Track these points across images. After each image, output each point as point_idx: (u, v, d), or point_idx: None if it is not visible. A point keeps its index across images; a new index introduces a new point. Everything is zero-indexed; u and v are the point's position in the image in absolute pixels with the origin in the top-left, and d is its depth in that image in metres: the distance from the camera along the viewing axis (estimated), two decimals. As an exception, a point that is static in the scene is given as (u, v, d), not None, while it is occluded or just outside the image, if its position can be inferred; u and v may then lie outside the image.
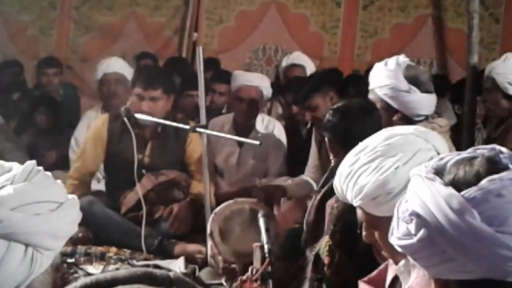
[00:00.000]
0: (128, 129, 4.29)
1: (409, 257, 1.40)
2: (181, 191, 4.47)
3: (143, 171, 4.31)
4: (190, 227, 4.31)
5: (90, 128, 4.81)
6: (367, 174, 1.97)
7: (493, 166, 1.32)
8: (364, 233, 2.09)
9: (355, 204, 2.04)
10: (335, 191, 2.15)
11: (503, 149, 1.37)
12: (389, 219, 1.80)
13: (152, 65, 6.02)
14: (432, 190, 1.31)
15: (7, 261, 1.20)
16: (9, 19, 7.56)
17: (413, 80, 3.43)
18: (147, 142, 4.40)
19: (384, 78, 3.45)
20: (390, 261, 2.02)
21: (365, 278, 2.10)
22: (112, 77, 5.40)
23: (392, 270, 2.02)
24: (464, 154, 1.36)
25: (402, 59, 3.51)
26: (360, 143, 2.07)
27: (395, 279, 2.02)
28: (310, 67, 5.92)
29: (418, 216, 1.31)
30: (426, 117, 3.50)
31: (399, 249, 1.41)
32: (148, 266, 3.68)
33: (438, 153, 1.93)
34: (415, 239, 1.32)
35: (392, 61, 3.49)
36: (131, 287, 0.76)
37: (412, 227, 1.32)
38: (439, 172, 1.35)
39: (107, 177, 4.69)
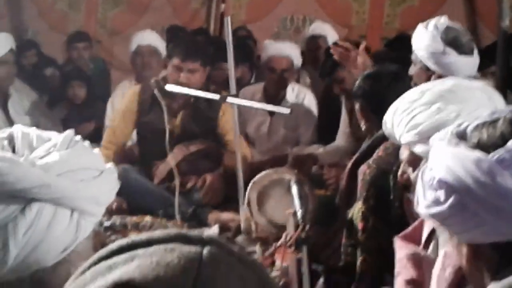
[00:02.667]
0: (159, 100, 4.33)
1: (439, 225, 1.41)
2: (212, 161, 4.50)
3: (174, 142, 4.34)
4: (222, 197, 4.35)
5: (122, 100, 4.86)
6: (427, 113, 2.00)
7: None
8: (400, 172, 2.12)
9: (402, 141, 2.06)
10: (383, 126, 2.17)
11: None
12: None
13: (190, 37, 6.03)
14: (458, 155, 1.30)
15: (55, 225, 1.24)
16: (38, -6, 7.61)
17: (451, 42, 3.36)
18: (178, 112, 4.42)
19: (422, 40, 3.41)
20: None
21: (401, 234, 2.12)
22: (146, 49, 5.47)
23: (428, 225, 2.04)
24: (483, 118, 1.36)
25: (442, 21, 3.44)
26: (424, 84, 2.09)
27: (431, 233, 2.03)
28: (331, 36, 5.87)
29: (446, 182, 1.30)
30: None
31: (427, 218, 1.42)
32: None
33: None
34: (445, 206, 1.32)
35: (431, 23, 3.44)
36: (166, 246, 0.78)
37: (441, 194, 1.32)
38: (461, 137, 1.35)
39: (140, 148, 4.74)
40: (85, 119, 5.46)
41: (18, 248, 1.21)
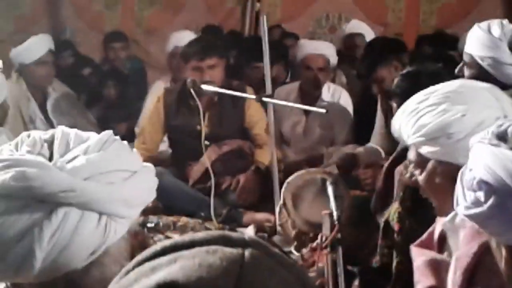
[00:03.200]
0: (185, 101, 4.36)
1: (478, 226, 1.40)
2: (246, 160, 4.51)
3: (206, 142, 4.36)
4: (257, 197, 4.36)
5: (148, 106, 4.89)
6: (433, 114, 1.99)
7: None
8: (408, 174, 2.12)
9: (409, 142, 2.06)
10: (392, 127, 2.17)
11: None
12: (438, 164, 1.93)
13: (200, 35, 6.04)
14: (499, 155, 1.30)
15: (81, 229, 1.23)
16: (74, -5, 7.68)
17: None
18: (204, 112, 4.44)
19: (486, 48, 3.22)
20: (437, 218, 2.05)
21: (416, 242, 2.12)
22: None
23: (439, 226, 2.03)
24: None
25: (507, 25, 3.26)
26: (432, 86, 2.09)
27: (444, 236, 2.03)
28: (369, 35, 5.86)
29: (486, 183, 1.30)
30: None
31: (467, 219, 1.41)
32: (223, 229, 3.74)
33: (505, 115, 1.94)
34: (485, 207, 1.31)
35: (496, 28, 3.24)
36: (208, 248, 0.78)
37: (481, 195, 1.32)
38: (501, 137, 1.34)
39: (172, 150, 4.77)
40: (121, 118, 5.52)
41: (43, 252, 1.21)
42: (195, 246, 0.79)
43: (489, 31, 3.26)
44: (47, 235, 1.21)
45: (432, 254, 2.03)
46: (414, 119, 2.03)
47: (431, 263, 1.98)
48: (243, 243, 0.79)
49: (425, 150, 2.01)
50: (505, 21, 3.32)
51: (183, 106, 4.45)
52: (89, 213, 1.25)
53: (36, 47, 5.15)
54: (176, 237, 0.83)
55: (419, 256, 2.03)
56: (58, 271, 1.24)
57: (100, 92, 5.72)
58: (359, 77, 4.91)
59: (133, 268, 0.81)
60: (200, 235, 0.81)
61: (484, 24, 3.30)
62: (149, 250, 0.82)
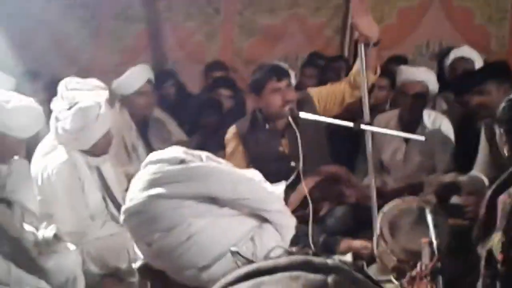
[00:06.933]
0: (259, 127, 4.39)
1: None
2: (344, 186, 4.47)
3: (292, 163, 4.33)
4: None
5: (228, 146, 4.91)
6: None
7: None
8: None
9: None
10: None
11: None
12: None
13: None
14: None
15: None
16: (177, 26, 7.84)
17: None
18: (283, 134, 4.43)
19: None
20: None
21: None
22: None
23: None
24: None
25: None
26: None
27: None
28: (478, 63, 5.71)
29: None
30: None
31: None
32: (307, 254, 3.68)
33: None
34: None
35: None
36: (291, 274, 0.77)
37: None
38: None
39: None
40: (219, 147, 5.55)
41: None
42: (278, 271, 0.78)
43: None
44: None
45: None
46: None
47: None
48: (326, 269, 0.77)
49: None
50: None
51: (259, 133, 4.45)
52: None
53: (134, 78, 5.27)
54: (260, 262, 0.82)
55: None
56: None
57: (199, 120, 5.79)
58: (465, 88, 4.80)
59: (216, 292, 0.80)
60: (283, 260, 0.80)
61: None
62: (232, 275, 0.81)
